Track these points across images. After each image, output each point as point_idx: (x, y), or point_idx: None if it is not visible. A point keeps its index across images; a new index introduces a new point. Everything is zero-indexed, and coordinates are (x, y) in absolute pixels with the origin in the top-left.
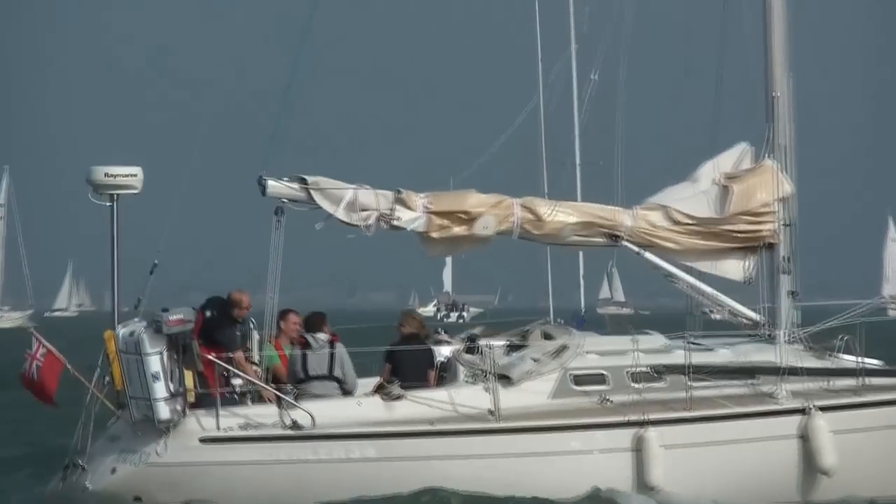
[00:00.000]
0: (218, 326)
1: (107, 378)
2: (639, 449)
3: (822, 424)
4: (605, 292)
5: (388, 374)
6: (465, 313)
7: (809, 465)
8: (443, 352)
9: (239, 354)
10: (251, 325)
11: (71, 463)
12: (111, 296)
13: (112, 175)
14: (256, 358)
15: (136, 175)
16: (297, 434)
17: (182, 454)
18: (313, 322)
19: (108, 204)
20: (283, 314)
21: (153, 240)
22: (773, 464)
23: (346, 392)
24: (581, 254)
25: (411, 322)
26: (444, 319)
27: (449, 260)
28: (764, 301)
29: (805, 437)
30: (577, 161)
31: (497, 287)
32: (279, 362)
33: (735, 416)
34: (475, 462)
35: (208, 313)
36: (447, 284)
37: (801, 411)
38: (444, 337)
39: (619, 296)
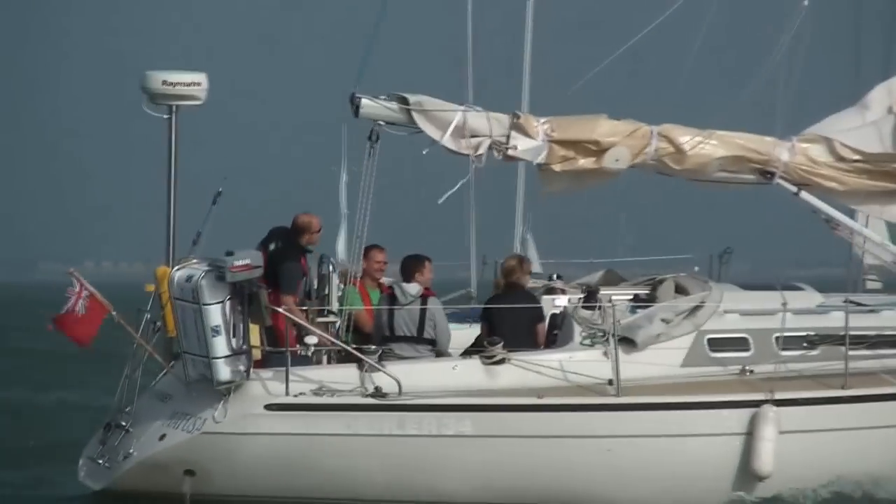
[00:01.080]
0: (285, 259)
1: (157, 324)
2: (778, 431)
3: None
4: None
5: (488, 334)
6: None
7: None
8: (556, 302)
9: (290, 298)
10: (330, 267)
11: (113, 423)
12: (168, 227)
13: (171, 83)
14: (335, 306)
15: (199, 84)
16: (381, 403)
17: (244, 422)
18: (408, 267)
19: (165, 116)
20: (365, 251)
21: (217, 162)
22: None
23: (440, 354)
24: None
25: (515, 268)
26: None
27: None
28: None
29: None
30: None
31: None
32: (363, 311)
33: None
34: (588, 443)
35: (272, 246)
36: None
37: None
38: (559, 285)
39: (536, 266)
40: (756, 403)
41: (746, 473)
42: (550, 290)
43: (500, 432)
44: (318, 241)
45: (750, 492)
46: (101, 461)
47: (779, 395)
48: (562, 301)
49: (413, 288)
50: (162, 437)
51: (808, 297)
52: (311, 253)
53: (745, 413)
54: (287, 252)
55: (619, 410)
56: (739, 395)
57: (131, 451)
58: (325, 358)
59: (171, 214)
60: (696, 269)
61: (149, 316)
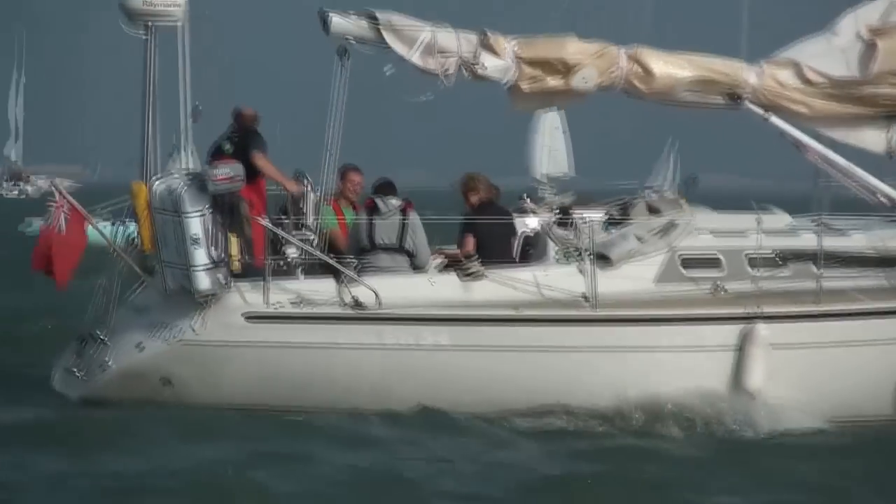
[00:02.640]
0: (252, 140)
1: (133, 238)
2: (751, 347)
3: None
4: None
5: (470, 248)
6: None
7: None
8: (527, 223)
9: (261, 157)
10: (306, 186)
11: (88, 335)
12: (143, 144)
13: (150, 2)
14: (311, 222)
15: (178, 4)
16: (360, 314)
17: (223, 332)
18: (384, 187)
19: (143, 36)
20: (343, 172)
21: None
22: None
23: (417, 268)
24: None
25: (480, 186)
26: None
27: None
28: None
29: None
30: None
31: None
32: (337, 227)
33: (873, 314)
34: (564, 356)
35: (227, 146)
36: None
37: None
38: (529, 205)
39: None
40: (744, 319)
41: (731, 388)
42: (521, 211)
43: (477, 344)
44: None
45: (733, 406)
46: (77, 371)
47: (767, 311)
48: (532, 221)
49: (394, 201)
50: (140, 347)
51: (779, 219)
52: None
53: (733, 328)
54: (252, 138)
55: (595, 324)
56: (726, 309)
57: (108, 361)
58: (299, 272)
59: (146, 132)
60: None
61: (125, 229)
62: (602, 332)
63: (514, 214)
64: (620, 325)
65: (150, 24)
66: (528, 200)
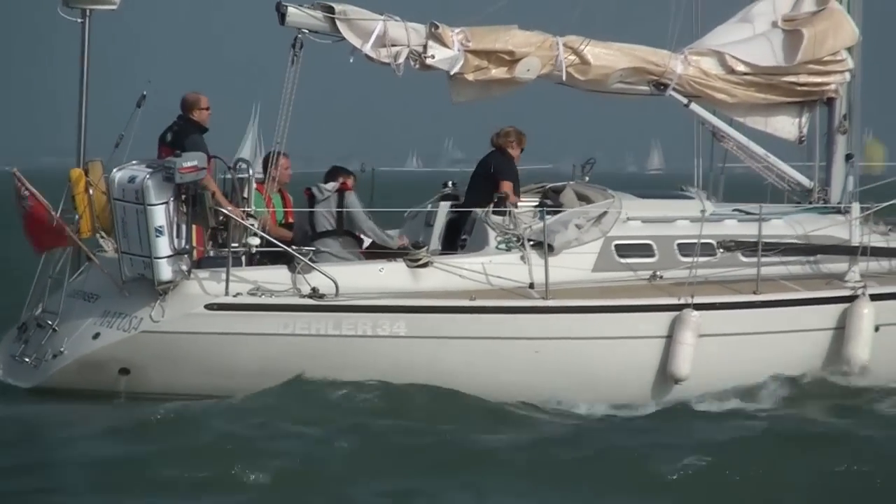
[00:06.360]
0: (187, 134)
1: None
2: (701, 334)
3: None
4: None
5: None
6: None
7: None
8: (452, 209)
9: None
10: (248, 172)
11: (34, 321)
12: (79, 130)
13: None
14: (253, 209)
15: None
16: (320, 304)
17: (184, 321)
18: (330, 173)
19: (79, 20)
20: (274, 158)
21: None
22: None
23: (378, 244)
24: None
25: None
26: None
27: None
28: (817, 164)
29: None
30: None
31: None
32: (268, 216)
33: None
34: (520, 344)
35: (169, 136)
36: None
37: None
38: (453, 191)
39: None
40: (679, 307)
41: (666, 375)
42: (445, 197)
43: (433, 334)
44: (208, 119)
45: (667, 394)
46: (26, 359)
47: (698, 300)
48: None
49: (329, 185)
50: (96, 336)
51: (699, 205)
52: (208, 131)
53: (667, 316)
54: (186, 129)
55: (551, 313)
56: (663, 299)
57: (62, 349)
58: (243, 260)
59: (81, 118)
60: (587, 179)
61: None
62: (557, 321)
63: (440, 202)
64: (577, 314)
65: (86, 8)
66: (453, 186)
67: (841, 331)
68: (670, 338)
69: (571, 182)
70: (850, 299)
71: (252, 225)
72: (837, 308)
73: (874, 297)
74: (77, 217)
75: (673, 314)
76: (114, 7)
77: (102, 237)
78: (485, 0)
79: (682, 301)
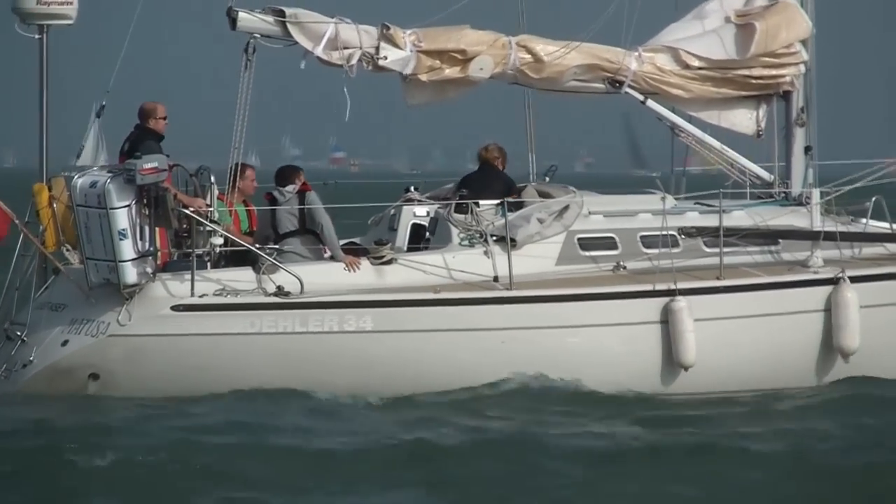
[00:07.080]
0: (142, 141)
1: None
2: (669, 322)
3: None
4: None
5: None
6: None
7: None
8: (416, 212)
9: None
10: (209, 180)
11: (3, 334)
12: (40, 143)
13: (45, 2)
14: (216, 216)
15: (70, 3)
16: (286, 301)
17: (151, 324)
18: (284, 175)
19: (37, 36)
20: (241, 169)
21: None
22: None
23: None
24: None
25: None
26: None
27: None
28: (777, 157)
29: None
30: None
31: None
32: (230, 221)
33: (773, 286)
34: (486, 335)
35: (127, 145)
36: None
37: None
38: (416, 195)
39: None
40: (661, 294)
41: (636, 361)
42: (409, 201)
43: (400, 327)
44: (165, 128)
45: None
46: None
47: (681, 286)
48: (421, 210)
49: (290, 188)
50: (65, 343)
51: (664, 199)
52: (164, 139)
53: (637, 303)
54: (142, 137)
55: (515, 304)
56: (629, 287)
57: (31, 358)
58: (208, 262)
59: (43, 132)
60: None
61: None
62: (522, 312)
63: (403, 206)
64: (541, 304)
65: (44, 24)
66: (415, 191)
67: (825, 313)
68: (648, 325)
69: (533, 182)
70: (833, 282)
71: (216, 222)
72: (822, 290)
73: (854, 280)
74: (42, 229)
75: (651, 301)
76: (70, 22)
77: (68, 250)
78: (438, 5)
79: (665, 288)
